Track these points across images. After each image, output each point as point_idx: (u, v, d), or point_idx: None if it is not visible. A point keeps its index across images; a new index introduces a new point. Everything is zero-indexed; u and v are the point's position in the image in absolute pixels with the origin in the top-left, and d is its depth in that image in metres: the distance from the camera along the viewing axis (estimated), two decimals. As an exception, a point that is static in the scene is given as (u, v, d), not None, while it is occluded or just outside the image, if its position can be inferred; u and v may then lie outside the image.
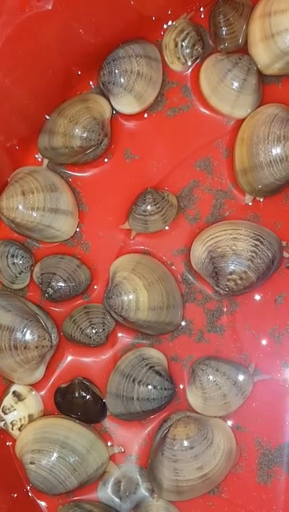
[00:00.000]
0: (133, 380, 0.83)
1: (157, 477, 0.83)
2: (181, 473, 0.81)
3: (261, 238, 0.82)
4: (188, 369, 0.86)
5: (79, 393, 0.85)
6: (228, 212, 0.88)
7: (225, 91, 0.85)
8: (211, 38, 0.88)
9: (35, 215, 0.84)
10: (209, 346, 0.87)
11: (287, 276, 0.87)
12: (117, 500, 0.86)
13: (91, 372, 0.88)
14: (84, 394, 0.85)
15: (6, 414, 0.87)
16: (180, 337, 0.87)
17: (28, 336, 0.83)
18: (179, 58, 0.87)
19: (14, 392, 0.87)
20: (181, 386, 0.87)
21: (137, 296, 0.82)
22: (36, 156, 0.89)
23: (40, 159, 0.89)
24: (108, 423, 0.87)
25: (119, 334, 0.88)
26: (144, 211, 0.85)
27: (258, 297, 0.87)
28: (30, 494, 0.87)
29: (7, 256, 0.87)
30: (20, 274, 0.87)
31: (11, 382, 0.87)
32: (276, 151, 0.81)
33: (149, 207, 0.85)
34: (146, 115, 0.89)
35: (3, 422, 0.86)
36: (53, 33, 0.79)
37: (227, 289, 0.83)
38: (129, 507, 0.86)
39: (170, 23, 0.87)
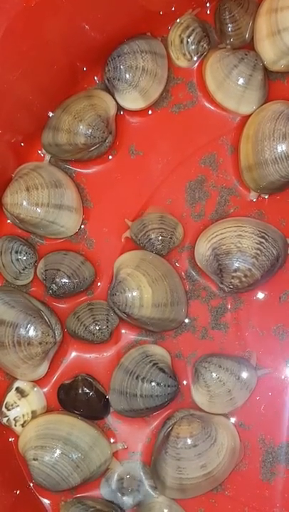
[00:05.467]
0: (137, 377, 0.83)
1: (161, 475, 0.83)
2: (185, 472, 0.81)
3: (266, 235, 0.82)
4: (191, 366, 0.86)
5: (82, 390, 0.85)
6: (232, 209, 0.87)
7: (230, 87, 0.85)
8: (216, 35, 0.88)
9: (39, 211, 0.84)
10: (213, 343, 0.87)
11: (292, 274, 0.87)
12: (119, 497, 0.86)
13: (94, 368, 0.88)
14: (87, 390, 0.85)
15: (9, 410, 0.87)
16: (184, 334, 0.87)
17: (31, 332, 0.83)
18: (184, 54, 0.87)
19: (17, 389, 0.87)
20: (185, 383, 0.86)
21: (140, 293, 0.82)
22: (39, 151, 0.89)
23: (42, 155, 0.89)
24: (111, 420, 0.87)
25: (123, 331, 0.88)
26: (148, 236, 0.86)
27: (262, 295, 0.87)
28: (33, 491, 0.87)
29: (11, 252, 0.87)
30: (24, 270, 0.87)
31: (15, 379, 0.87)
32: (281, 148, 0.81)
33: (151, 239, 0.85)
34: (151, 111, 0.89)
35: (6, 418, 0.86)
36: (58, 29, 0.79)
37: (231, 287, 0.83)
38: (131, 504, 0.86)
39: (176, 19, 0.87)
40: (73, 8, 0.78)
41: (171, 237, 0.85)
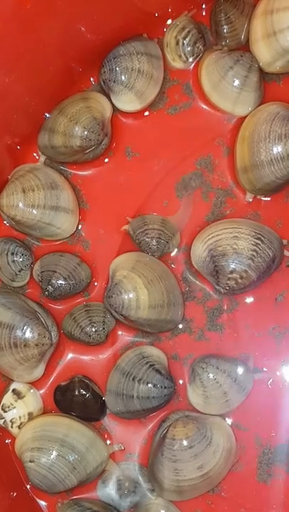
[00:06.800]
0: (133, 379, 0.83)
1: (158, 477, 0.83)
2: (182, 473, 0.81)
3: (262, 237, 0.82)
4: (188, 367, 0.86)
5: (79, 391, 0.85)
6: (228, 211, 0.87)
7: (226, 88, 0.85)
8: (212, 36, 0.88)
9: (35, 212, 0.84)
10: (209, 345, 0.87)
11: (288, 275, 0.86)
12: (116, 498, 0.86)
13: (91, 370, 0.88)
14: (84, 392, 0.85)
15: (5, 412, 0.86)
16: (180, 335, 0.87)
17: (28, 334, 0.83)
18: (180, 56, 0.87)
19: (14, 390, 0.87)
20: (181, 382, 0.86)
21: (137, 294, 0.82)
22: (34, 154, 0.89)
23: (37, 157, 0.89)
24: (108, 421, 0.87)
25: (120, 332, 0.88)
26: (146, 233, 0.86)
27: (258, 296, 0.87)
28: (29, 493, 0.87)
29: (7, 254, 0.87)
30: (20, 271, 0.87)
31: (11, 380, 0.87)
32: (277, 149, 0.81)
33: (147, 238, 0.85)
34: (147, 113, 0.89)
35: (3, 420, 0.86)
36: (54, 30, 0.79)
37: (227, 288, 0.83)
38: (128, 505, 0.86)
39: (171, 20, 0.87)
40: (69, 9, 0.78)
41: (167, 242, 0.85)
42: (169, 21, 0.87)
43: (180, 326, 0.87)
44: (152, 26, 0.88)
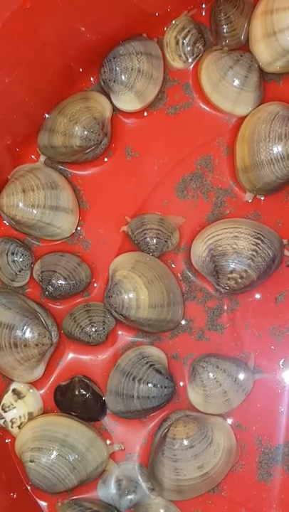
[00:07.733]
0: (133, 378, 0.83)
1: (158, 477, 0.83)
2: (182, 473, 0.81)
3: (262, 237, 0.82)
4: (188, 367, 0.86)
5: (79, 391, 0.85)
6: (228, 211, 0.87)
7: (226, 88, 0.85)
8: (212, 36, 0.88)
9: (35, 212, 0.84)
10: (209, 344, 0.87)
11: (288, 275, 0.86)
12: (116, 498, 0.86)
13: (91, 370, 0.88)
14: (84, 392, 0.85)
15: (5, 412, 0.86)
16: (180, 335, 0.87)
17: (28, 334, 0.83)
18: (180, 56, 0.87)
19: (14, 390, 0.87)
20: (181, 384, 0.86)
21: (137, 294, 0.82)
22: (34, 154, 0.89)
23: (36, 158, 0.89)
24: (108, 421, 0.87)
25: (120, 332, 0.88)
26: (144, 233, 0.85)
27: (258, 296, 0.87)
28: (29, 493, 0.87)
29: (7, 254, 0.87)
30: (20, 271, 0.87)
31: (11, 380, 0.87)
32: (277, 149, 0.81)
33: (146, 238, 0.85)
34: (146, 113, 0.89)
35: (3, 420, 0.86)
36: (54, 30, 0.79)
37: (227, 288, 0.83)
38: (128, 505, 0.86)
39: (172, 20, 0.87)
40: (69, 9, 0.78)
41: (166, 241, 0.85)
42: (170, 21, 0.88)
43: (180, 325, 0.87)
44: (152, 26, 0.88)
